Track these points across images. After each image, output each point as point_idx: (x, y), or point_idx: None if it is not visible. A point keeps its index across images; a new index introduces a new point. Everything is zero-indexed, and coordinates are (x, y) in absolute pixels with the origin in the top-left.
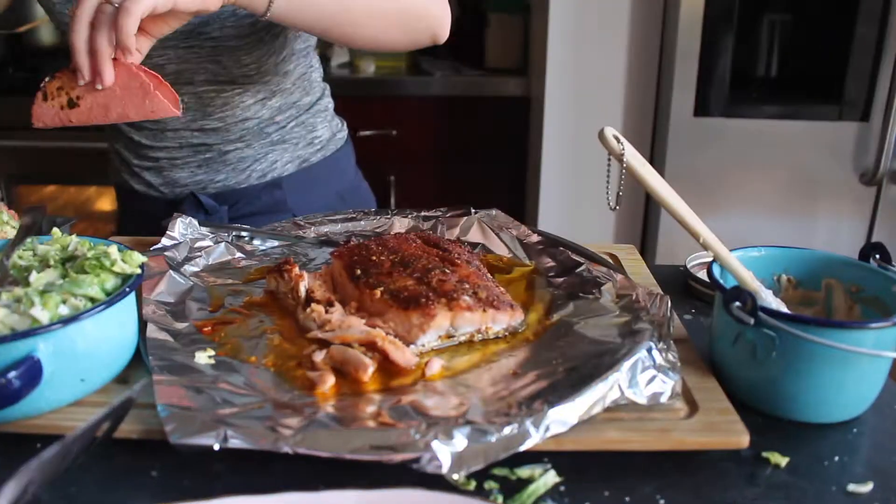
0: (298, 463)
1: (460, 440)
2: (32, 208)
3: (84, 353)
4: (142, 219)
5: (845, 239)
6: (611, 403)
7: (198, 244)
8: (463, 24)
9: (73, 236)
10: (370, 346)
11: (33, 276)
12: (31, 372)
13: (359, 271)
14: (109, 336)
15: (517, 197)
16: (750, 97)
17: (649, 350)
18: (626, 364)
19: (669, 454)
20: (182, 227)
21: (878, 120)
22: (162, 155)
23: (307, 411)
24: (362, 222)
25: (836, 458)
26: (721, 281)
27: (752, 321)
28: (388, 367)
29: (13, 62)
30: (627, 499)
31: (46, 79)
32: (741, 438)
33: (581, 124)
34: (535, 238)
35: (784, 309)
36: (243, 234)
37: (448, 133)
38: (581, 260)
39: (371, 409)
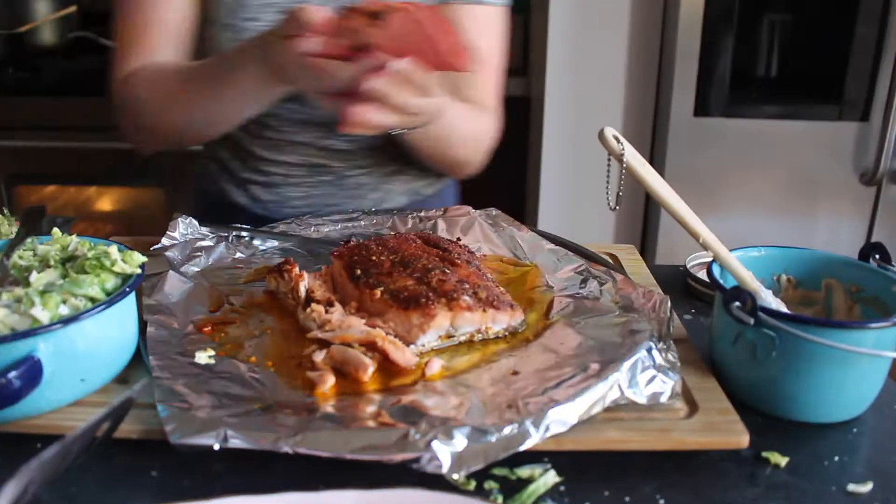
0: (298, 463)
1: (460, 440)
2: (32, 208)
3: (84, 353)
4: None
5: (845, 239)
6: (611, 403)
7: (198, 244)
8: None
9: (74, 236)
10: (370, 346)
11: (33, 277)
12: (32, 372)
13: (359, 271)
14: (109, 336)
15: (517, 197)
16: (750, 97)
17: (649, 350)
18: (626, 364)
19: (669, 454)
20: (182, 227)
21: (877, 120)
22: (278, 171)
23: (307, 411)
24: (362, 222)
25: (836, 458)
26: (721, 281)
27: (751, 321)
28: (388, 367)
29: (13, 62)
30: (627, 499)
31: None
32: (741, 438)
33: (581, 124)
34: (535, 238)
35: (784, 309)
36: (243, 234)
37: None
38: (581, 260)
39: (371, 409)
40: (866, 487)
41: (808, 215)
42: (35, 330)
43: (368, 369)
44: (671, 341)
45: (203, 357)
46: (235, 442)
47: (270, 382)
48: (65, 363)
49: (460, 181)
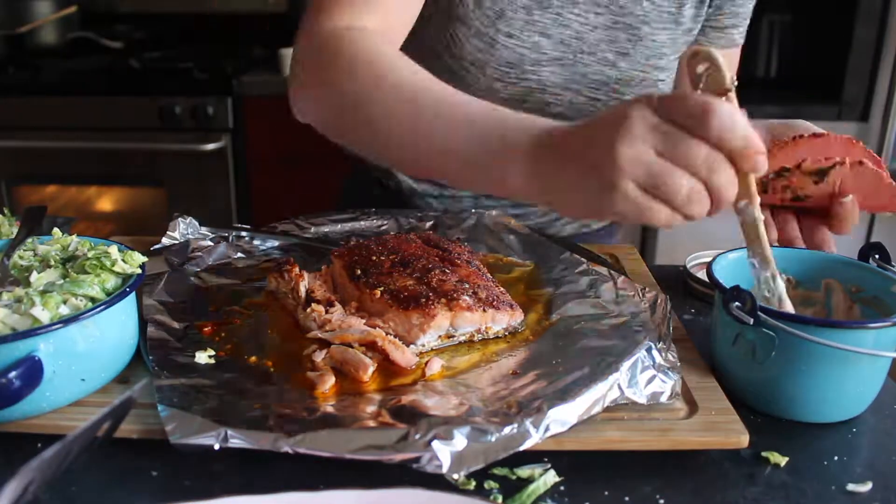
0: (298, 463)
1: (460, 440)
2: (33, 208)
3: (84, 352)
4: None
5: (844, 239)
6: (610, 403)
7: (198, 244)
8: None
9: (74, 236)
10: (370, 346)
11: (34, 277)
12: (32, 372)
13: (359, 271)
14: (110, 336)
15: None
16: (750, 97)
17: (649, 350)
18: (626, 364)
19: (669, 454)
20: (182, 227)
21: (877, 120)
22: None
23: (307, 411)
24: (362, 222)
25: (836, 458)
26: (721, 280)
27: (751, 321)
28: (388, 367)
29: (13, 62)
30: (627, 499)
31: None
32: (741, 438)
33: None
34: (535, 238)
35: (790, 308)
36: (243, 234)
37: None
38: (581, 260)
39: (371, 409)
40: (866, 487)
41: None
42: (35, 330)
43: (368, 369)
44: (671, 341)
45: (203, 357)
46: (235, 442)
47: (270, 382)
48: (65, 363)
49: None
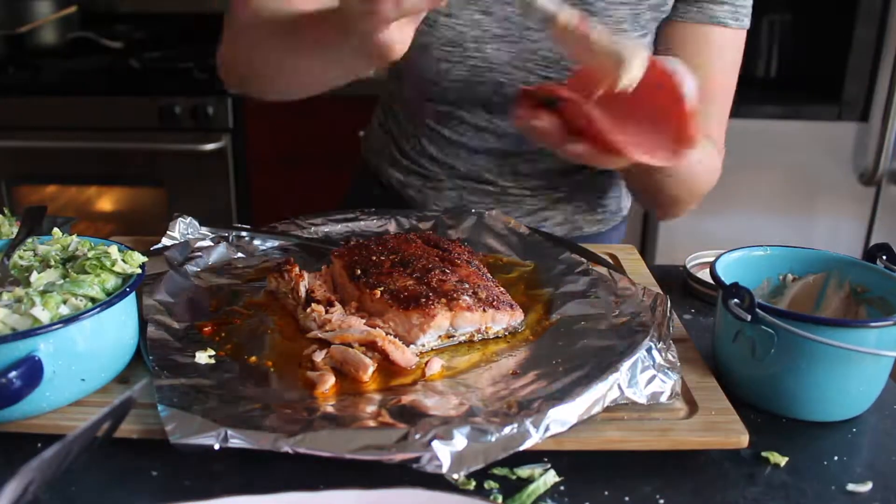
0: (298, 463)
1: (460, 440)
2: (33, 208)
3: (84, 352)
4: None
5: (844, 239)
6: (610, 403)
7: (198, 244)
8: None
9: (74, 236)
10: (370, 346)
11: (34, 277)
12: (32, 372)
13: (359, 271)
14: (110, 336)
15: None
16: (750, 97)
17: (649, 350)
18: (626, 364)
19: (669, 454)
20: (182, 227)
21: (877, 120)
22: (440, 171)
23: (307, 411)
24: (362, 222)
25: (836, 458)
26: (722, 278)
27: (748, 318)
28: (388, 367)
29: (13, 62)
30: (627, 499)
31: None
32: (741, 438)
33: None
34: (535, 238)
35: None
36: (243, 234)
37: None
38: (581, 260)
39: (371, 409)
40: (866, 487)
41: (807, 215)
42: (35, 330)
43: (368, 369)
44: (671, 341)
45: (203, 357)
46: (235, 442)
47: (270, 382)
48: (65, 363)
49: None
